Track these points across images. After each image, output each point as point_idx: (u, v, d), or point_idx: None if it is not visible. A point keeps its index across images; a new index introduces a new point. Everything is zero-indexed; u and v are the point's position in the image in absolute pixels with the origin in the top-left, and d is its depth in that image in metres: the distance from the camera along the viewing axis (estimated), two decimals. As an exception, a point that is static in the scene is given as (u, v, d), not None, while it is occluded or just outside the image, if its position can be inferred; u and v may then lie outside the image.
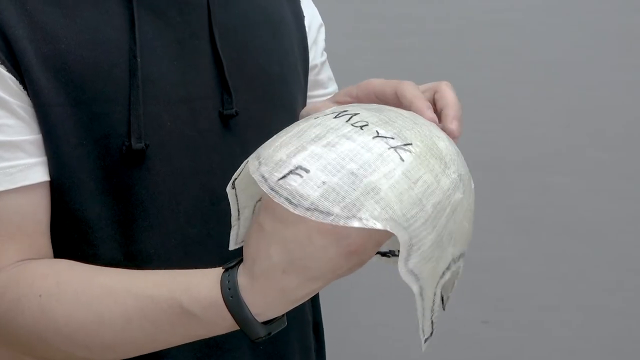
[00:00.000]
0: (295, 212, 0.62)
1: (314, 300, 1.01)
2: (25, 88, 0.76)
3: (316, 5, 1.03)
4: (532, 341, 1.76)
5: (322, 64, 1.02)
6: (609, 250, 1.70)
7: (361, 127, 0.65)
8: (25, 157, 0.76)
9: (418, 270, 0.64)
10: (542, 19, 1.62)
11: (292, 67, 0.93)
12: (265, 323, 0.70)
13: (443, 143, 0.67)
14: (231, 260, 0.71)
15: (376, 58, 1.50)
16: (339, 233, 0.64)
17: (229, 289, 0.69)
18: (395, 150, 0.64)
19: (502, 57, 1.63)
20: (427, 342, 0.66)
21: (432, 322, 0.67)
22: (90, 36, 0.78)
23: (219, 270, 0.71)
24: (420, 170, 0.64)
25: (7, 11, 0.75)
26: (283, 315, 0.72)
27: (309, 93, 1.00)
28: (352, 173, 0.62)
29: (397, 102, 0.73)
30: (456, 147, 0.70)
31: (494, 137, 1.65)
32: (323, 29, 1.02)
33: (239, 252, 0.73)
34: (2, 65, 0.75)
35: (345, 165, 0.63)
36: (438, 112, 0.74)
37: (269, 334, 0.70)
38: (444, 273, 0.67)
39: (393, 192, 0.62)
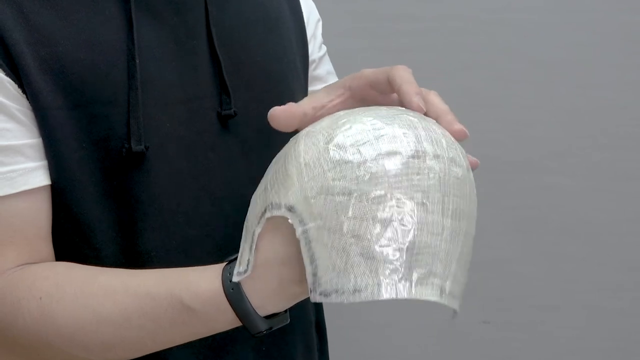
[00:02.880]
0: None
1: None
2: (24, 92, 0.75)
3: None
4: (533, 341, 1.76)
5: (321, 58, 1.01)
6: (611, 250, 1.70)
7: None
8: (26, 161, 0.76)
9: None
10: (542, 19, 1.62)
11: (291, 65, 0.93)
12: (267, 318, 0.70)
13: (364, 122, 0.67)
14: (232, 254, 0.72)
15: (374, 57, 1.49)
16: None
17: (230, 281, 0.69)
18: None
19: (502, 57, 1.63)
20: (239, 276, 0.69)
21: (248, 261, 0.69)
22: (87, 38, 0.78)
23: (220, 265, 0.71)
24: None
25: (3, 14, 0.75)
26: (285, 311, 0.72)
27: (309, 88, 0.99)
28: None
29: (391, 88, 0.72)
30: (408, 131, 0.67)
31: (494, 137, 1.65)
32: (320, 24, 1.02)
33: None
34: (0, 69, 0.74)
35: None
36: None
37: (270, 328, 0.70)
38: (262, 214, 0.68)
39: None
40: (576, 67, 1.63)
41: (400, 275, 0.63)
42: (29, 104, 0.76)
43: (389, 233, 0.63)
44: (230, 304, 0.69)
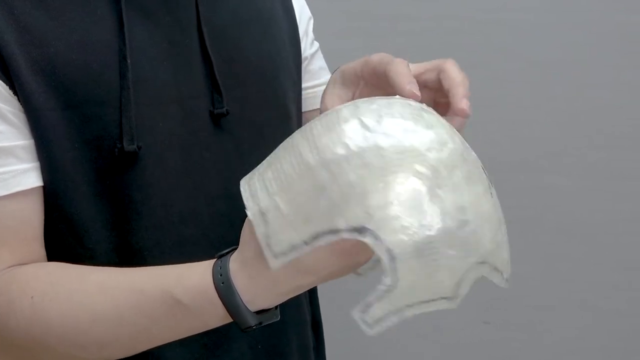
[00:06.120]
0: None
1: (313, 299, 1.01)
2: (15, 93, 0.75)
3: (307, 4, 1.03)
4: (534, 342, 1.76)
5: (313, 55, 1.01)
6: (610, 250, 1.70)
7: None
8: (18, 162, 0.76)
9: None
10: (537, 19, 1.62)
11: (283, 62, 0.93)
12: (257, 314, 0.70)
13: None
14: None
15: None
16: None
17: (221, 275, 0.69)
18: None
19: (498, 57, 1.63)
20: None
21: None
22: (79, 39, 0.78)
23: (212, 260, 0.72)
24: None
25: None
26: (276, 307, 0.72)
27: (302, 84, 0.99)
28: None
29: (389, 83, 0.74)
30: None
31: (490, 137, 1.65)
32: (312, 22, 1.02)
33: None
34: None
35: None
36: (445, 92, 0.74)
37: (260, 323, 0.70)
38: None
39: None
40: (572, 67, 1.63)
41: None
42: (20, 106, 0.76)
43: None
44: (220, 298, 0.69)
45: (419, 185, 0.64)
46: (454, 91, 0.72)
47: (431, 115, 0.69)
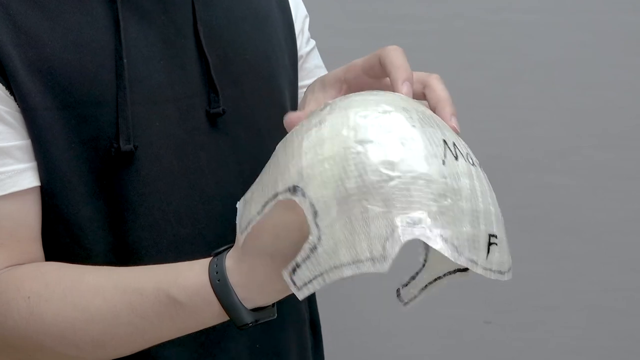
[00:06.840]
0: None
1: (311, 298, 1.01)
2: (11, 93, 0.75)
3: (305, 4, 1.03)
4: (535, 342, 1.75)
5: (308, 53, 1.01)
6: (612, 250, 1.69)
7: None
8: (14, 163, 0.76)
9: None
10: (543, 19, 1.61)
11: (279, 62, 0.93)
12: (254, 311, 0.70)
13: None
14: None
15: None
16: None
17: (217, 273, 0.70)
18: None
19: (501, 57, 1.62)
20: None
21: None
22: (74, 38, 0.78)
23: (208, 258, 0.72)
24: None
25: None
26: (273, 305, 0.72)
27: (299, 83, 0.99)
28: None
29: (383, 71, 0.73)
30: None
31: (496, 136, 1.65)
32: (308, 20, 1.02)
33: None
34: None
35: None
36: (431, 109, 0.73)
37: (256, 321, 0.70)
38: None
39: None
40: (578, 67, 1.62)
41: None
42: (17, 106, 0.76)
43: None
44: (216, 296, 0.69)
45: (347, 144, 0.64)
46: (444, 109, 0.72)
47: (392, 95, 0.69)
